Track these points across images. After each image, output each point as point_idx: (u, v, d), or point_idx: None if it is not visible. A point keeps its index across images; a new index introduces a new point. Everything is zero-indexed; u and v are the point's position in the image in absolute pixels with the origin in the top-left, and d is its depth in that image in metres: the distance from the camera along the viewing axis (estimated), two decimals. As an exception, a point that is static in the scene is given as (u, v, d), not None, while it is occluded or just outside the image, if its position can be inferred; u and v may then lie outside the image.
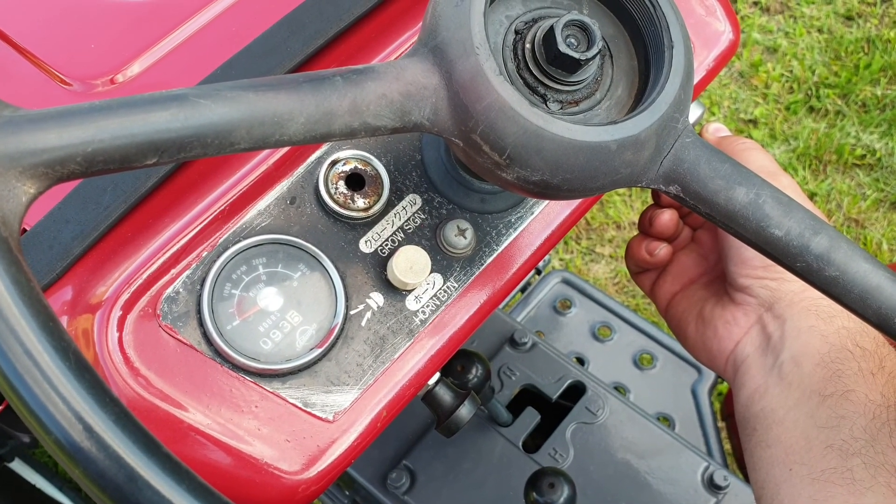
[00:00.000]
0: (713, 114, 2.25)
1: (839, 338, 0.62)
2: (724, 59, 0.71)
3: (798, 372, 0.62)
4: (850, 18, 2.41)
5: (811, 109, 2.26)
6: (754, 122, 2.24)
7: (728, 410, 1.40)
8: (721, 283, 0.71)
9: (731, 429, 1.40)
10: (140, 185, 0.54)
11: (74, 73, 0.60)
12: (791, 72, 2.31)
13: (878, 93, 2.26)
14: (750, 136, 2.18)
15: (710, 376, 1.36)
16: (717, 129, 0.72)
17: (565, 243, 2.07)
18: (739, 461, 1.36)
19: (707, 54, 0.70)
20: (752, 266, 0.65)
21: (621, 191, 2.13)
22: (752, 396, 0.64)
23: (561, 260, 2.05)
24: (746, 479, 1.12)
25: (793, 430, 0.61)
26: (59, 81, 0.60)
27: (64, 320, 0.52)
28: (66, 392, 0.31)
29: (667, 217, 0.70)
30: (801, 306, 0.64)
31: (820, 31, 2.39)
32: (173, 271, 0.53)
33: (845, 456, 0.57)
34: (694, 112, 0.77)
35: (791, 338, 0.63)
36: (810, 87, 2.28)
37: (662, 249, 0.72)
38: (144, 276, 0.53)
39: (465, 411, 0.62)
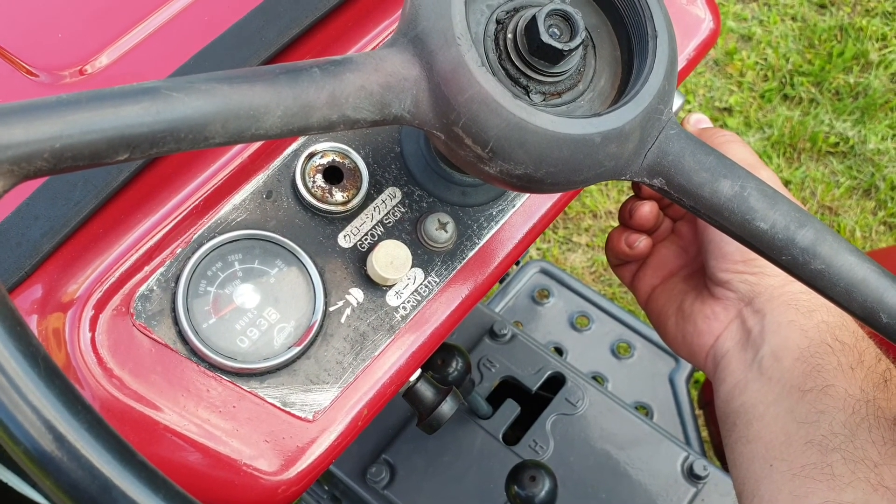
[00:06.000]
0: (688, 102, 2.25)
1: (819, 332, 0.62)
2: (704, 48, 0.70)
3: (778, 367, 0.62)
4: (823, 6, 2.43)
5: (785, 97, 2.27)
6: (729, 110, 2.25)
7: (706, 398, 1.41)
8: (701, 277, 0.70)
9: (709, 416, 1.41)
10: (112, 179, 0.53)
11: (41, 63, 0.58)
12: (765, 60, 2.32)
13: (851, 81, 2.28)
14: (725, 125, 2.19)
15: (687, 365, 1.36)
16: (698, 121, 0.72)
17: (543, 233, 2.07)
18: (717, 449, 1.37)
19: (688, 43, 0.69)
20: (731, 260, 0.65)
21: (598, 180, 2.13)
22: (732, 392, 0.64)
23: (538, 249, 2.05)
24: (725, 467, 1.12)
25: (773, 426, 0.61)
26: (26, 72, 0.58)
27: (34, 320, 0.51)
28: (36, 399, 0.30)
29: (647, 209, 0.70)
30: (780, 301, 0.64)
31: (794, 18, 2.40)
32: (147, 268, 0.52)
33: (825, 451, 0.57)
34: (675, 102, 0.77)
35: (771, 332, 0.63)
36: (784, 75, 2.29)
37: (642, 242, 0.71)
38: (117, 273, 0.51)
39: (447, 408, 0.62)
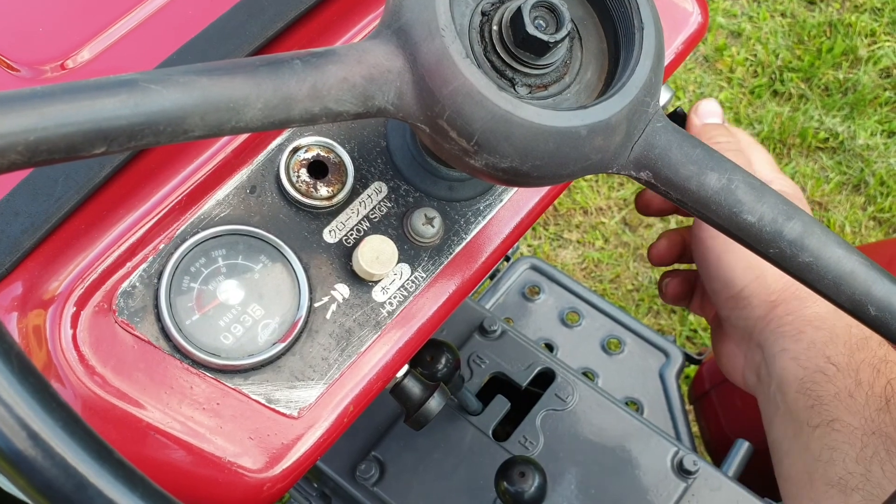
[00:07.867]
0: (678, 98, 2.25)
1: (810, 358, 0.61)
2: (692, 43, 0.70)
3: (785, 401, 0.61)
4: (812, 3, 2.43)
5: (775, 93, 2.27)
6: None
7: (696, 394, 1.41)
8: None
9: (699, 412, 1.41)
10: (94, 174, 0.52)
11: (21, 57, 0.58)
12: (755, 56, 2.32)
13: (840, 76, 2.28)
14: (715, 121, 2.19)
15: (677, 360, 1.36)
16: (710, 113, 0.70)
17: (533, 229, 2.06)
18: (707, 444, 1.37)
19: (675, 37, 0.69)
20: (721, 297, 0.63)
21: (588, 176, 2.13)
22: (767, 428, 0.63)
23: (529, 246, 2.05)
24: (715, 462, 1.12)
25: (797, 464, 0.60)
26: (5, 66, 0.57)
27: (13, 317, 0.50)
28: (8, 396, 0.29)
29: (662, 245, 0.69)
30: (769, 330, 0.63)
31: (783, 15, 2.40)
32: (129, 265, 0.51)
33: (846, 492, 0.57)
34: (662, 96, 0.76)
35: (771, 367, 0.62)
36: (774, 71, 2.30)
37: (668, 284, 0.70)
38: (99, 270, 0.51)
39: (435, 404, 0.61)
